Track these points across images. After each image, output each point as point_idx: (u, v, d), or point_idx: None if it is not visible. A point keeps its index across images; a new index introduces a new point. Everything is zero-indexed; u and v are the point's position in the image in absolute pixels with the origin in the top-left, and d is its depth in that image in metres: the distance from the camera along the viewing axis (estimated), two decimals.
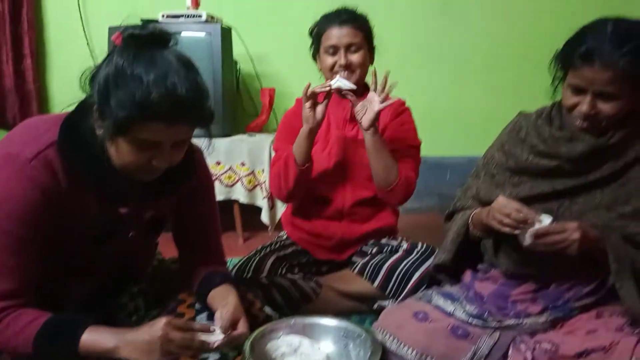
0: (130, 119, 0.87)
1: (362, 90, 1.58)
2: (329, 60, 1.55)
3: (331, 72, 1.53)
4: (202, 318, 1.14)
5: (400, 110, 1.66)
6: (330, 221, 1.64)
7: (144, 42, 0.91)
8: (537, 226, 1.05)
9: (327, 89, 1.45)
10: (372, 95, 1.48)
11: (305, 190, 1.61)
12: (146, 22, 0.95)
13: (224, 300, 1.07)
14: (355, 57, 1.54)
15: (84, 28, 2.77)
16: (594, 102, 1.06)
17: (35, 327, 0.91)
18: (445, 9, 2.81)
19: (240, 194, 2.40)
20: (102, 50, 2.49)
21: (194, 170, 1.13)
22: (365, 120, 1.47)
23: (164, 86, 0.87)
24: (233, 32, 2.54)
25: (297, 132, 1.53)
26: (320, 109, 1.47)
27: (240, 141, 2.44)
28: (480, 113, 2.86)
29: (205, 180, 1.21)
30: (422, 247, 1.59)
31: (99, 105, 0.91)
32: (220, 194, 2.39)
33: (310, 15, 2.83)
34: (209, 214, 1.23)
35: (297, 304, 1.50)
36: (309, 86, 1.47)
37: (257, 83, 2.77)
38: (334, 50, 1.55)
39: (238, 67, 2.68)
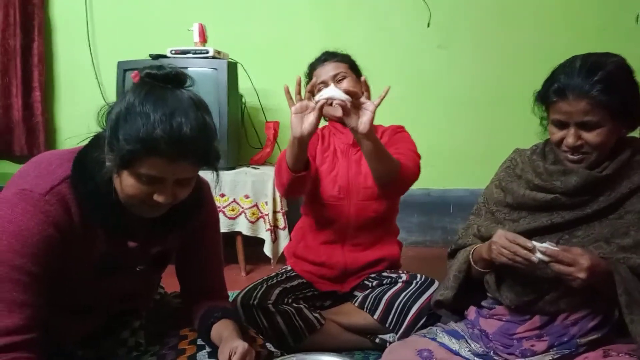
0: (133, 153, 0.89)
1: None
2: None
3: (331, 105, 1.49)
4: (203, 355, 1.13)
5: (398, 131, 1.74)
6: (334, 248, 1.64)
7: (159, 81, 0.95)
8: (542, 245, 1.05)
9: (323, 102, 1.41)
10: (363, 100, 1.46)
11: (311, 207, 1.68)
12: (159, 64, 0.98)
13: (230, 341, 1.04)
14: (345, 84, 1.60)
15: (93, 62, 2.83)
16: (577, 133, 1.10)
17: None
18: (446, 46, 2.87)
19: (243, 226, 2.40)
20: (110, 84, 2.56)
21: (202, 205, 1.14)
22: (363, 122, 1.42)
23: (168, 124, 0.89)
24: (239, 67, 2.60)
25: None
26: (308, 121, 1.42)
27: (245, 174, 2.45)
28: (483, 147, 2.88)
29: (212, 214, 1.22)
30: (421, 278, 1.60)
31: (109, 139, 0.94)
32: (223, 226, 2.39)
33: (313, 50, 2.90)
34: (213, 249, 1.24)
35: (301, 334, 1.49)
36: (299, 81, 1.47)
37: (262, 116, 2.81)
38: (325, 85, 1.59)
39: (243, 101, 2.73)
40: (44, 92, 2.81)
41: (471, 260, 1.22)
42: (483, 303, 1.29)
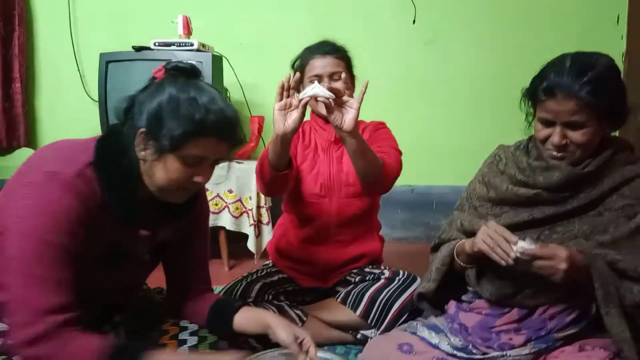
0: (187, 134, 0.96)
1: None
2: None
3: (315, 101, 1.48)
4: (184, 350, 1.13)
5: (380, 127, 1.72)
6: (316, 246, 1.64)
7: (187, 73, 1.04)
8: (521, 244, 1.06)
9: (307, 99, 1.38)
10: (346, 98, 1.43)
11: (293, 206, 1.66)
12: (176, 60, 1.08)
13: (287, 328, 1.10)
14: (338, 85, 1.52)
15: (75, 53, 2.78)
16: (563, 132, 1.12)
17: (97, 353, 0.93)
18: (432, 43, 2.88)
19: (226, 221, 2.38)
20: (92, 76, 2.51)
21: (200, 196, 1.19)
22: (348, 120, 1.39)
23: (217, 106, 0.99)
24: (224, 60, 2.57)
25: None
26: (292, 118, 1.40)
27: (229, 168, 2.44)
28: (466, 144, 2.90)
29: (205, 209, 1.28)
30: (403, 275, 1.60)
31: (149, 128, 0.98)
32: None
33: (299, 45, 2.89)
34: (204, 243, 1.27)
35: None
36: (288, 78, 1.41)
37: (247, 111, 2.79)
38: (318, 79, 1.56)
39: (228, 95, 2.70)
40: (24, 83, 2.75)
41: (455, 254, 1.23)
42: (463, 297, 1.31)
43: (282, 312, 1.52)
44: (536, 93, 1.13)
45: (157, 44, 2.43)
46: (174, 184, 1.01)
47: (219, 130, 0.98)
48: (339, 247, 1.65)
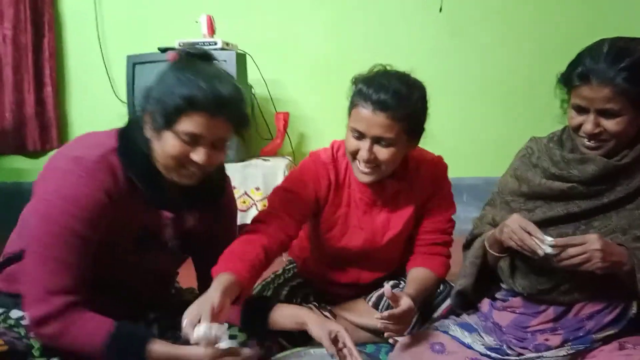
0: (177, 108, 0.99)
1: (395, 182, 1.37)
2: (353, 143, 1.27)
3: (354, 157, 1.29)
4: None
5: (443, 184, 1.46)
6: (343, 271, 1.50)
7: (198, 57, 1.07)
8: (548, 238, 1.04)
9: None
10: (409, 304, 1.19)
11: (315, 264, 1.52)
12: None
13: (323, 323, 1.14)
14: (383, 154, 1.24)
15: (102, 57, 2.84)
16: (597, 120, 1.07)
17: (102, 334, 0.97)
18: (460, 32, 2.81)
19: None
20: (120, 78, 2.56)
21: (225, 189, 1.24)
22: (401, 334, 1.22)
23: (209, 83, 1.00)
24: (248, 58, 2.58)
25: (298, 201, 1.33)
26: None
27: (255, 166, 2.45)
28: (496, 134, 2.83)
29: (233, 205, 1.31)
30: (442, 286, 1.47)
31: (149, 108, 1.03)
32: None
33: (323, 41, 2.88)
34: (232, 238, 1.28)
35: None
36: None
37: (272, 107, 2.79)
38: (360, 135, 1.25)
39: (253, 92, 2.71)
40: (55, 88, 2.82)
41: (486, 244, 1.20)
42: (497, 295, 1.27)
43: None
44: (571, 78, 1.09)
45: (181, 44, 2.45)
46: (172, 161, 1.03)
47: (209, 106, 0.99)
48: (371, 271, 1.50)
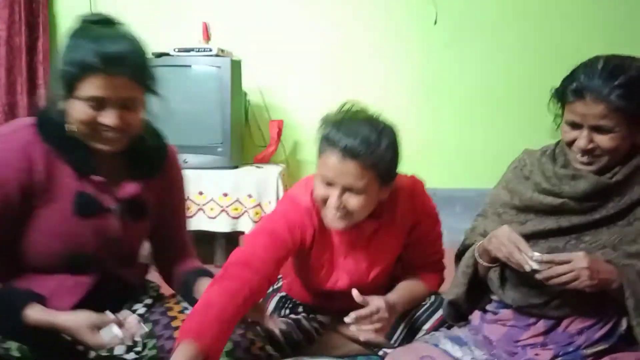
0: (73, 74, 1.01)
1: (372, 222, 1.30)
2: (322, 190, 1.20)
3: (324, 204, 1.22)
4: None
5: (431, 218, 1.42)
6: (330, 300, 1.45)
7: (91, 23, 1.08)
8: (536, 254, 1.04)
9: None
10: (378, 304, 1.21)
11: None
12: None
13: None
14: (354, 202, 1.18)
15: None
16: (590, 136, 1.08)
17: None
18: (453, 44, 2.83)
19: (246, 226, 2.37)
20: None
21: (165, 157, 1.23)
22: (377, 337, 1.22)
23: (98, 44, 1.01)
24: (242, 64, 2.57)
25: (282, 247, 1.24)
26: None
27: (248, 173, 2.44)
28: (490, 145, 2.84)
29: (179, 177, 1.30)
30: (433, 297, 1.45)
31: (55, 80, 1.05)
32: (226, 226, 2.38)
33: (319, 49, 2.89)
34: (182, 210, 1.33)
35: (299, 344, 1.45)
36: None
37: (266, 115, 2.79)
38: (329, 183, 1.19)
39: (247, 99, 2.71)
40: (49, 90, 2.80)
41: (476, 254, 1.20)
42: (487, 307, 1.27)
43: (299, 326, 1.45)
44: (565, 94, 1.09)
45: (176, 50, 2.45)
46: (85, 127, 1.05)
47: (101, 66, 1.00)
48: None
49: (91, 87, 1.01)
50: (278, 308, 1.52)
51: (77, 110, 1.03)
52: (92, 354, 1.08)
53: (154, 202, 1.22)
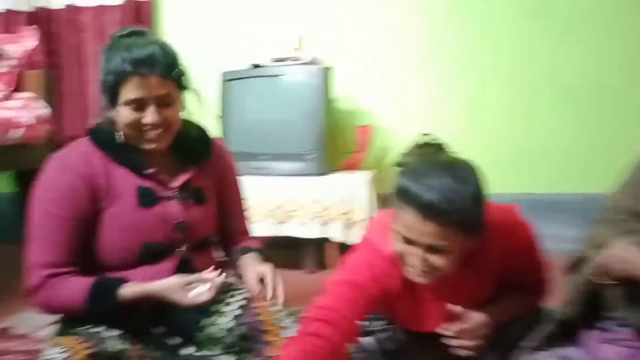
0: (113, 84, 1.13)
1: (457, 271, 1.15)
2: (401, 247, 1.10)
3: (404, 260, 1.13)
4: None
5: (509, 233, 1.21)
6: None
7: (123, 36, 1.19)
8: None
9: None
10: (481, 319, 1.14)
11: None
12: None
13: (254, 265, 1.28)
14: (438, 261, 1.07)
15: (198, 73, 2.97)
16: None
17: (82, 290, 1.12)
18: (557, 37, 2.64)
19: (336, 233, 2.38)
20: (214, 94, 2.68)
21: (208, 145, 1.34)
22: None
23: (129, 50, 1.12)
24: (334, 71, 2.59)
25: (366, 299, 1.16)
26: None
27: (338, 179, 2.44)
28: (598, 146, 2.61)
29: (230, 163, 1.42)
30: (533, 309, 1.32)
31: (100, 92, 1.18)
32: (316, 232, 2.40)
33: (406, 54, 2.83)
34: (235, 195, 1.42)
35: (393, 358, 1.39)
36: None
37: (354, 120, 2.78)
38: (408, 242, 1.08)
39: (335, 105, 2.72)
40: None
41: (593, 274, 1.08)
42: (601, 325, 1.14)
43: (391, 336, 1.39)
44: None
45: (272, 60, 2.54)
46: (133, 130, 1.16)
47: (134, 69, 1.10)
48: None
49: (129, 90, 1.12)
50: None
51: (122, 116, 1.15)
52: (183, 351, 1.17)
53: (211, 187, 1.32)
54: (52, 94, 2.61)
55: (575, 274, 1.16)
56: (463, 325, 1.13)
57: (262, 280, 1.24)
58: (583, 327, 1.16)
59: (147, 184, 1.21)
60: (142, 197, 1.19)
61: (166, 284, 1.12)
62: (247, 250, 1.35)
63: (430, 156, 1.08)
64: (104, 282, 1.14)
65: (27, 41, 2.61)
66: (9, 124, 2.24)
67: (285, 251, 2.58)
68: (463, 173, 1.04)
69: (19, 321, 1.91)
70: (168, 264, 1.21)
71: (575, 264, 1.17)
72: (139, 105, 1.14)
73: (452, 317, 1.19)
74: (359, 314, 1.15)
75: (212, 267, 1.17)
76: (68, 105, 2.94)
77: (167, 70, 1.15)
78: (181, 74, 1.19)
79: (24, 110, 2.33)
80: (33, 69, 2.64)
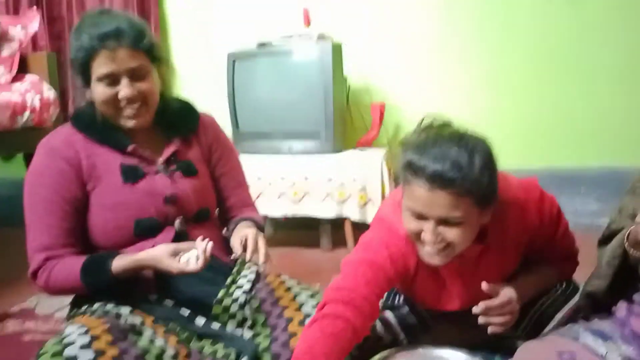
0: (83, 61, 1.12)
1: (474, 247, 1.13)
2: (413, 224, 1.06)
3: (417, 238, 1.08)
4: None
5: (554, 219, 1.22)
6: None
7: (91, 15, 1.18)
8: None
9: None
10: (510, 294, 1.12)
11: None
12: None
13: (240, 230, 1.25)
14: (452, 234, 1.04)
15: (206, 53, 2.93)
16: None
17: (77, 268, 1.12)
18: (571, 10, 2.55)
19: (352, 211, 2.35)
20: (221, 75, 2.63)
21: (195, 115, 1.33)
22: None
23: (95, 26, 1.12)
24: (343, 47, 2.53)
25: (384, 279, 1.13)
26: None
27: (351, 157, 2.41)
28: (618, 118, 2.53)
29: (220, 134, 1.38)
30: (564, 284, 1.32)
31: (74, 73, 1.19)
32: (332, 211, 2.37)
33: (421, 28, 2.74)
34: (237, 170, 1.41)
35: (414, 329, 1.37)
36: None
37: (367, 98, 2.73)
38: (420, 216, 1.04)
39: (348, 83, 2.66)
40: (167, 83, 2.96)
41: (626, 243, 1.04)
42: (635, 298, 1.10)
43: (413, 311, 1.38)
44: None
45: (279, 37, 2.48)
46: (109, 107, 1.16)
47: (100, 43, 1.10)
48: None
49: (99, 66, 1.12)
50: (391, 295, 1.45)
51: (98, 93, 1.14)
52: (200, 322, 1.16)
53: (200, 159, 1.30)
54: (57, 77, 2.56)
55: (607, 246, 1.12)
56: (491, 303, 1.10)
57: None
58: (615, 300, 1.12)
59: (130, 161, 1.20)
60: (126, 174, 1.18)
61: (152, 252, 1.11)
62: (242, 220, 1.33)
63: (436, 131, 1.05)
64: (96, 257, 1.14)
65: (31, 23, 2.56)
66: (16, 108, 2.21)
67: (303, 230, 2.56)
68: (470, 143, 1.01)
69: (37, 302, 1.93)
70: (164, 238, 1.19)
71: (609, 236, 1.13)
72: (111, 80, 1.13)
73: (477, 295, 1.15)
74: (378, 294, 1.12)
75: (201, 237, 1.13)
76: (74, 88, 2.90)
77: (135, 42, 1.13)
78: (151, 44, 1.16)
79: (30, 93, 2.30)
80: (37, 51, 2.59)
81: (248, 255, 1.16)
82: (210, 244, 1.11)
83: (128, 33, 1.12)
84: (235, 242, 1.20)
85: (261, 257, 1.17)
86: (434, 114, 1.09)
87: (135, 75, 1.14)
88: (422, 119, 1.09)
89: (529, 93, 2.63)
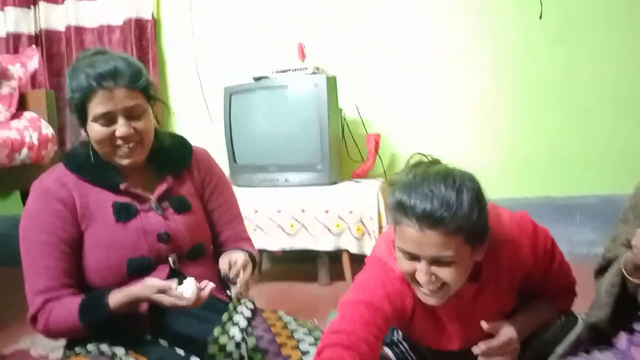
0: (80, 102, 1.13)
1: (469, 286, 1.13)
2: (407, 265, 1.06)
3: (412, 280, 1.07)
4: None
5: (547, 252, 1.21)
6: None
7: (87, 55, 1.19)
8: None
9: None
10: (510, 334, 1.12)
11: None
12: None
13: (230, 253, 1.24)
14: (446, 274, 1.03)
15: (201, 88, 2.98)
16: None
17: (75, 308, 1.10)
18: (562, 41, 2.61)
19: (349, 243, 2.34)
20: (218, 110, 2.67)
21: (188, 150, 1.33)
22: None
23: (92, 67, 1.13)
24: (338, 80, 2.58)
25: (382, 319, 1.10)
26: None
27: (347, 188, 2.41)
28: (611, 147, 2.57)
29: (214, 168, 1.38)
30: (564, 317, 1.30)
31: (71, 114, 1.20)
32: (329, 244, 2.36)
33: (413, 59, 2.80)
34: (231, 203, 1.39)
35: None
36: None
37: (362, 129, 2.76)
38: (412, 257, 1.04)
39: (343, 115, 2.70)
40: (160, 120, 3.00)
41: (624, 271, 1.04)
42: (636, 327, 1.10)
43: (412, 349, 1.35)
44: None
45: (274, 72, 2.52)
46: (105, 146, 1.16)
47: (97, 84, 1.11)
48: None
49: (96, 105, 1.12)
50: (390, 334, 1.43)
51: (94, 132, 1.15)
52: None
53: (194, 195, 1.30)
54: (55, 114, 2.59)
55: (604, 276, 1.12)
56: (492, 343, 1.09)
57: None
58: (615, 330, 1.11)
59: (123, 199, 1.19)
60: (118, 212, 1.18)
61: (142, 285, 1.09)
62: (235, 248, 1.30)
63: (423, 169, 1.05)
64: (93, 295, 1.13)
65: (30, 62, 2.60)
66: (14, 145, 2.22)
67: (300, 264, 2.55)
68: (458, 180, 1.00)
69: (34, 343, 1.90)
70: (157, 277, 1.16)
71: (604, 266, 1.13)
72: (107, 119, 1.14)
73: (476, 335, 1.15)
74: (377, 335, 1.09)
75: (191, 279, 1.10)
76: (71, 126, 2.93)
77: (132, 81, 1.14)
78: (147, 84, 1.18)
79: (28, 131, 2.32)
80: (36, 88, 2.62)
81: (231, 274, 1.16)
82: (210, 285, 1.09)
83: (125, 73, 1.13)
84: (222, 262, 1.20)
85: (241, 282, 1.17)
86: (421, 152, 1.10)
87: (132, 115, 1.15)
88: (410, 157, 1.10)
89: (524, 123, 2.66)
